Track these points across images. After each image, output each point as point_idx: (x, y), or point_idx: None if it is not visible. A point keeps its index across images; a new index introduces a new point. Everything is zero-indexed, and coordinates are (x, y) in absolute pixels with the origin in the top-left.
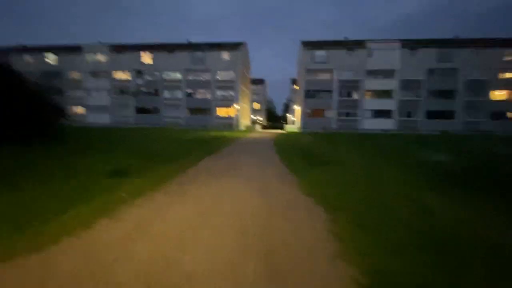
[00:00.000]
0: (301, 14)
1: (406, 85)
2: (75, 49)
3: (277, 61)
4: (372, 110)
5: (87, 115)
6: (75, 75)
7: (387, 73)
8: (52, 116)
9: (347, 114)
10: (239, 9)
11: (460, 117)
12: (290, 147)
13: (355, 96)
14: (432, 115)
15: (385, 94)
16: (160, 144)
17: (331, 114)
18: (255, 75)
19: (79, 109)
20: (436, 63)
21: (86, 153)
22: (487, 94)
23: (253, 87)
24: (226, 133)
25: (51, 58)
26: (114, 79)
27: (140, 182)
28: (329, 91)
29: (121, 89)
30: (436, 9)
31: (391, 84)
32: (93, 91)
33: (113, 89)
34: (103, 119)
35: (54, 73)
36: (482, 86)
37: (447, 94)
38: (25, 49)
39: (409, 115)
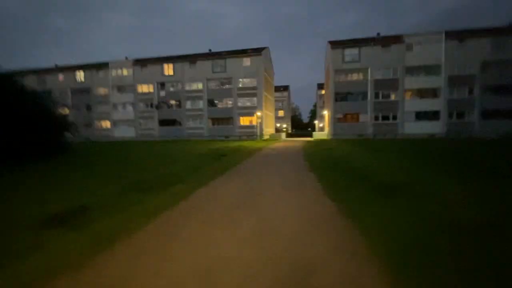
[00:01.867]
0: (326, 18)
1: (456, 81)
2: (102, 66)
3: (302, 69)
4: (414, 111)
5: (113, 129)
6: (102, 90)
7: (431, 69)
8: (53, 135)
9: (385, 118)
10: (262, 18)
11: None
12: (326, 161)
13: (393, 97)
14: (489, 114)
15: (430, 93)
16: (167, 160)
17: (366, 118)
18: (280, 83)
19: (106, 124)
20: (491, 54)
21: (61, 179)
22: None
23: (278, 94)
24: (248, 143)
25: (80, 76)
26: (138, 93)
27: (69, 243)
28: (363, 93)
29: (145, 102)
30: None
31: (436, 81)
32: (118, 105)
33: (137, 103)
34: (129, 132)
35: (83, 89)
36: None
37: (508, 89)
38: (59, 69)
39: (460, 116)
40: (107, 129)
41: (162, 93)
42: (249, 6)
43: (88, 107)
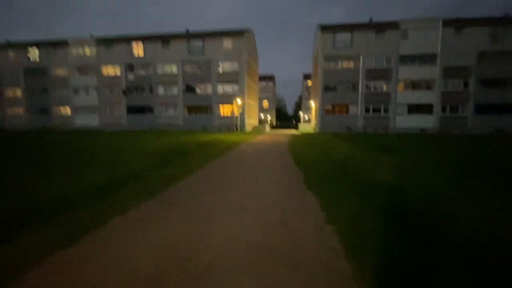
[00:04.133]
0: (314, 12)
1: (451, 73)
2: (61, 44)
3: (286, 62)
4: (407, 104)
5: (74, 116)
6: (60, 72)
7: (427, 59)
8: None
9: (376, 110)
10: (248, 10)
11: None
12: (325, 167)
13: (385, 88)
14: (483, 109)
15: (424, 84)
16: (99, 163)
17: (356, 110)
18: (264, 73)
19: (66, 110)
20: (489, 45)
21: None
22: None
23: (262, 84)
24: (225, 137)
25: (34, 54)
26: (102, 76)
27: None
28: (354, 82)
29: (111, 86)
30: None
31: (431, 71)
32: (80, 89)
33: (102, 87)
34: (92, 121)
35: (38, 70)
36: None
37: (504, 83)
38: (10, 46)
39: (454, 110)
40: (67, 116)
41: (131, 77)
42: None
43: (45, 91)
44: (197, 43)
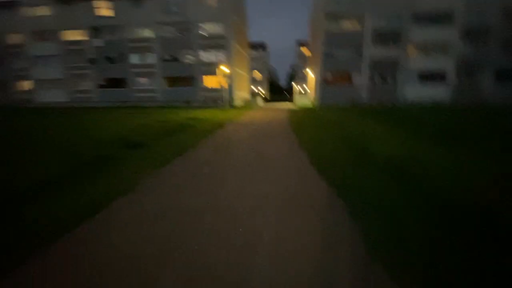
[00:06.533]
0: None
1: (470, 34)
2: (12, 4)
3: (278, 29)
4: (418, 72)
5: (37, 91)
6: (14, 38)
7: (444, 18)
8: None
9: (383, 80)
10: None
11: None
12: (374, 179)
13: (395, 52)
14: (504, 76)
15: (439, 48)
16: None
17: (361, 79)
18: (255, 40)
19: (28, 84)
20: None
21: None
22: None
23: (253, 52)
24: (208, 114)
25: None
26: (64, 42)
27: None
28: (358, 47)
29: (75, 54)
30: None
31: (448, 33)
32: (40, 59)
33: (65, 56)
34: (58, 96)
35: None
36: None
37: None
38: None
39: (471, 77)
40: (29, 92)
41: (98, 42)
42: None
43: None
44: (175, 1)
